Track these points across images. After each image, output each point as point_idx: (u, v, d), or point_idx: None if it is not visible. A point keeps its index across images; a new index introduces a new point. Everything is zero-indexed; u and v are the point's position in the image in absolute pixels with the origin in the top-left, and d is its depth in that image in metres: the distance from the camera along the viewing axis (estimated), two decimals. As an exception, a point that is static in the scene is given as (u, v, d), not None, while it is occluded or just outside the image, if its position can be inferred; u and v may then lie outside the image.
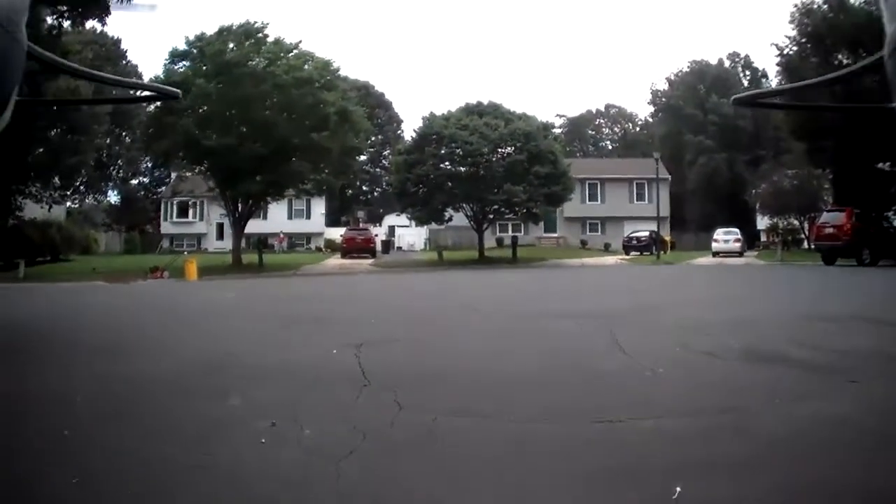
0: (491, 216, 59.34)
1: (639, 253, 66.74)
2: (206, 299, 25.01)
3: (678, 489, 5.11)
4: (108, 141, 70.35)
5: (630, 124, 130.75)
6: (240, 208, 52.14)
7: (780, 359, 10.16)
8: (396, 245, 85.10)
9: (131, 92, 9.40)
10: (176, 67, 49.42)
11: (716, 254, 61.56)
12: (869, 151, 45.34)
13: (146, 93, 6.28)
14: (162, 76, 49.27)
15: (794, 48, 54.20)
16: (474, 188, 54.77)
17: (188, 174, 64.10)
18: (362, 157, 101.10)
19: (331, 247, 78.49)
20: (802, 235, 70.18)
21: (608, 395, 8.27)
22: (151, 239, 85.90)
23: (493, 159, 54.75)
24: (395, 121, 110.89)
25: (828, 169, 57.79)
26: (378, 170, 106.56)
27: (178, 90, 5.34)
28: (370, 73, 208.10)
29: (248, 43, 48.38)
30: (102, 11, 39.71)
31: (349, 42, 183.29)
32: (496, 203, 55.38)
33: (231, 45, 48.53)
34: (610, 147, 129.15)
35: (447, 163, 56.08)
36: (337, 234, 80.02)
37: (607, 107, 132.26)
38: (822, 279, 31.29)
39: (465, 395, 8.36)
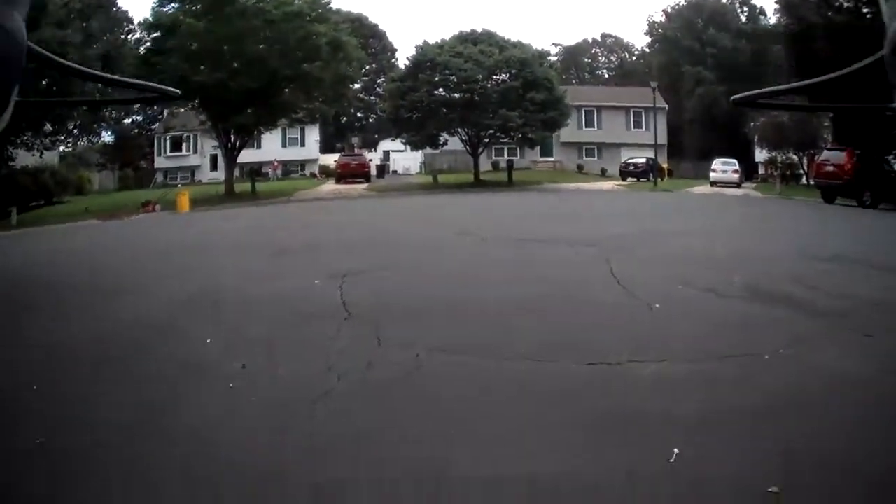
0: (486, 140, 58.88)
1: (636, 179, 65.90)
2: (197, 231, 24.51)
3: (676, 451, 4.66)
4: (98, 85, 69.60)
5: (627, 54, 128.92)
6: (232, 140, 51.64)
7: (784, 300, 9.68)
8: (392, 169, 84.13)
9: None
10: (165, 10, 48.51)
11: (713, 183, 60.53)
12: (872, 93, 44.49)
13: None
14: (151, 18, 48.83)
15: None
16: (469, 114, 54.05)
17: (180, 109, 63.59)
18: (356, 86, 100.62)
19: (326, 173, 77.70)
20: (801, 171, 69.33)
21: (605, 332, 7.80)
22: (146, 175, 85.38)
23: (488, 86, 54.07)
24: (390, 50, 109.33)
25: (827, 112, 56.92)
26: (372, 97, 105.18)
27: (178, 90, 5.39)
28: (364, 4, 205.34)
29: None
30: None
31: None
32: (491, 128, 54.89)
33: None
34: (606, 76, 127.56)
35: (441, 90, 55.12)
36: (332, 160, 79.26)
37: (603, 36, 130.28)
38: (822, 217, 30.87)
39: (453, 329, 7.91)
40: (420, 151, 72.91)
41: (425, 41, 58.04)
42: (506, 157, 73.39)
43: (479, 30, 59.06)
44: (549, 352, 6.97)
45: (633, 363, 6.56)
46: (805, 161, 66.69)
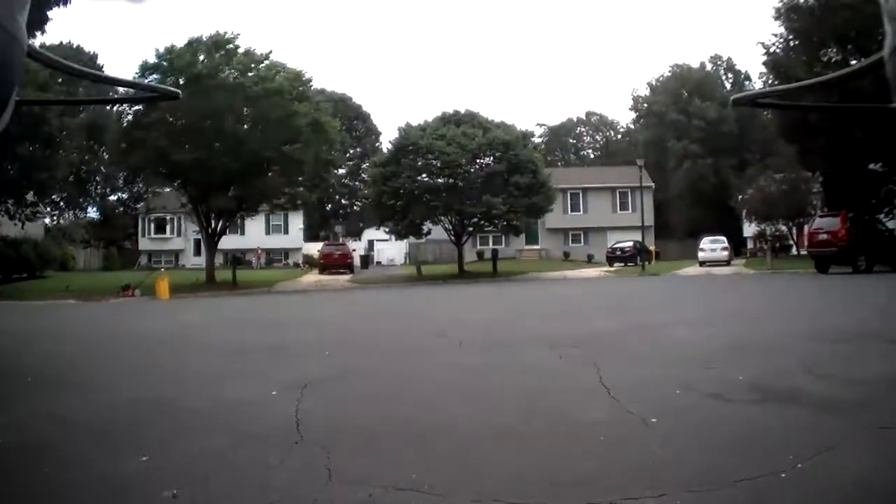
0: (471, 229, 57.99)
1: (623, 264, 65.37)
2: (166, 323, 23.56)
3: None
4: (86, 157, 69.10)
5: (612, 132, 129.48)
6: (213, 224, 51.00)
7: (795, 396, 8.47)
8: (376, 260, 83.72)
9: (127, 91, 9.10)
10: (146, 80, 47.94)
11: (702, 263, 60.05)
12: (861, 152, 43.92)
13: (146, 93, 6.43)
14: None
15: (781, 45, 52.65)
16: (453, 200, 53.23)
17: (163, 189, 63.23)
18: (341, 171, 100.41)
19: (309, 262, 77.00)
20: (791, 242, 68.79)
21: (593, 459, 6.60)
22: (130, 255, 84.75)
23: (472, 170, 53.49)
24: (374, 133, 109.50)
25: (818, 172, 56.34)
26: (357, 183, 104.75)
27: (178, 91, 5.04)
28: (347, 85, 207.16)
29: (217, 54, 47.02)
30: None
31: (326, 54, 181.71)
32: (475, 215, 53.93)
33: (201, 57, 47.43)
34: (592, 156, 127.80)
35: (424, 175, 54.38)
36: (315, 249, 78.45)
37: (588, 114, 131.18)
38: (818, 289, 29.90)
39: (416, 459, 6.71)
40: (405, 241, 71.86)
41: (408, 123, 57.64)
42: (491, 245, 72.72)
43: (463, 110, 58.58)
44: (527, 489, 5.83)
45: (626, 501, 5.44)
46: (794, 231, 66.16)
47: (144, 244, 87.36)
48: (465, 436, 7.45)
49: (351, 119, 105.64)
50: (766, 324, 16.91)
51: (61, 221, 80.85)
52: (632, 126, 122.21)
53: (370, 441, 7.38)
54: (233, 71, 46.91)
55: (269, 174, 48.66)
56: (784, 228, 68.30)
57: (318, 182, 55.44)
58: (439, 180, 53.84)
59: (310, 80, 51.49)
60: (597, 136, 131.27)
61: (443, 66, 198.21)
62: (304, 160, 47.54)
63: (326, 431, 7.69)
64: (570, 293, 35.13)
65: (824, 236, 39.34)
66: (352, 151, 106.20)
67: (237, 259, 56.84)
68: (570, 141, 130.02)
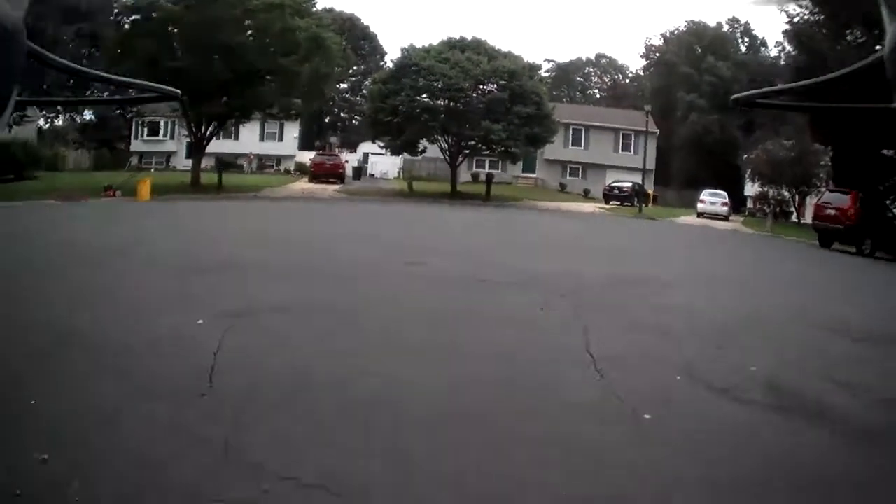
0: (467, 151, 56.62)
1: (619, 203, 63.69)
2: (133, 227, 22.07)
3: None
4: (83, 62, 67.68)
5: (620, 75, 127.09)
6: (202, 129, 49.38)
7: (820, 411, 6.92)
8: (369, 172, 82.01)
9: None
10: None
11: (700, 214, 58.52)
12: (875, 135, 42.36)
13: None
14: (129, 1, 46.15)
15: (806, 17, 50.73)
16: (451, 122, 51.76)
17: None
18: (343, 85, 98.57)
19: (301, 170, 75.18)
20: (792, 209, 67.22)
21: (574, 458, 5.11)
22: (121, 156, 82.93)
23: (474, 95, 51.72)
24: (379, 52, 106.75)
25: (829, 146, 54.79)
26: (358, 98, 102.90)
27: (178, 91, 4.64)
28: (356, 5, 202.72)
29: None
30: None
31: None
32: (473, 139, 52.58)
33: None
34: (598, 96, 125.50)
35: (425, 94, 52.45)
36: (309, 158, 76.89)
37: (598, 56, 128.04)
38: (826, 267, 28.52)
39: (337, 444, 5.23)
40: (399, 156, 70.15)
41: (412, 44, 56.07)
42: (486, 169, 70.62)
43: (469, 37, 56.57)
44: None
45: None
46: (796, 199, 64.58)
47: (137, 145, 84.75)
48: (415, 414, 5.93)
49: (357, 38, 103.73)
50: (776, 299, 15.34)
51: (56, 123, 79.85)
52: (641, 73, 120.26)
53: (290, 405, 5.90)
54: None
55: (264, 85, 46.74)
56: (787, 194, 66.59)
57: (314, 95, 53.30)
58: (439, 102, 52.13)
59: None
60: (605, 78, 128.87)
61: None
62: (300, 72, 45.76)
63: (242, 383, 6.22)
64: (563, 228, 33.88)
65: (832, 211, 37.69)
66: (355, 68, 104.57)
67: (225, 163, 54.68)
68: (578, 79, 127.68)
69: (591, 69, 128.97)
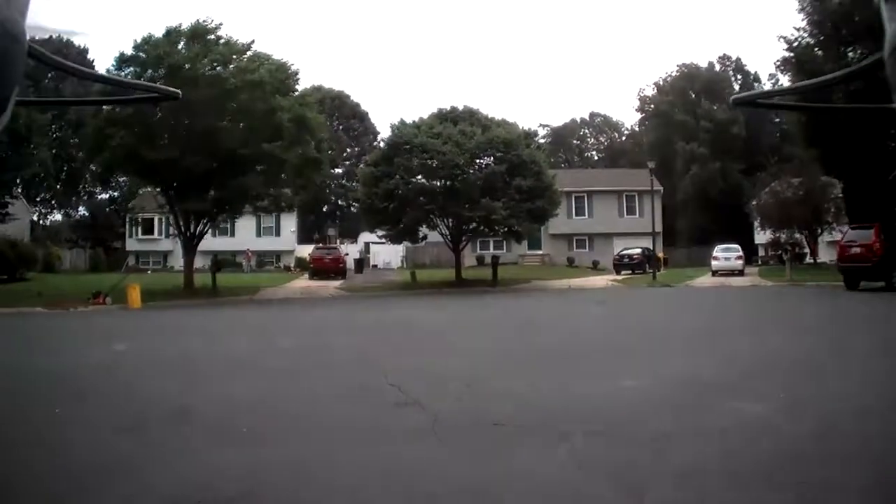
0: (469, 234, 54.41)
1: (630, 272, 62.32)
2: (93, 356, 19.32)
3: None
4: (62, 153, 66.70)
5: (616, 133, 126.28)
6: (191, 228, 47.35)
7: None
8: (372, 263, 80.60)
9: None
10: (122, 73, 44.58)
11: (715, 272, 56.85)
12: (885, 160, 40.75)
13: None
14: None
15: (806, 39, 49.46)
16: (449, 204, 49.85)
17: (143, 189, 60.00)
18: (337, 171, 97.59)
19: (301, 265, 73.62)
20: (806, 250, 65.29)
21: None
22: (117, 256, 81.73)
23: (470, 171, 49.63)
24: (371, 132, 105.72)
25: (839, 179, 53.23)
26: (353, 183, 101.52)
27: (178, 91, 3.58)
28: (345, 82, 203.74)
29: (197, 45, 43.40)
30: None
31: (323, 51, 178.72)
32: (474, 220, 50.45)
33: (180, 47, 44.14)
34: (596, 157, 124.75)
35: (420, 175, 50.61)
36: (308, 252, 75.58)
37: (592, 115, 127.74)
38: (860, 312, 26.34)
39: None
40: (401, 244, 68.48)
41: (402, 120, 54.32)
42: (491, 250, 68.71)
43: (461, 107, 55.02)
44: None
45: None
46: (807, 239, 62.93)
47: (132, 245, 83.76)
48: None
49: (348, 118, 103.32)
50: (849, 381, 12.72)
51: (48, 221, 79.13)
52: (636, 128, 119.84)
53: None
54: (212, 62, 43.12)
55: (249, 174, 44.97)
56: (799, 236, 64.75)
57: (305, 183, 51.40)
58: (435, 182, 50.34)
59: (296, 73, 47.88)
60: (600, 138, 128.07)
61: (443, 65, 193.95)
62: (286, 159, 44.02)
63: None
64: (579, 312, 31.28)
65: (857, 249, 36.04)
66: (349, 151, 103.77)
67: (219, 264, 52.64)
68: (574, 142, 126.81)
69: (587, 130, 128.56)
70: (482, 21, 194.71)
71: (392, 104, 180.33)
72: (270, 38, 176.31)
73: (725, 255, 58.05)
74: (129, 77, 43.93)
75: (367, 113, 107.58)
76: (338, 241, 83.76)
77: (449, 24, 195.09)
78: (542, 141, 57.13)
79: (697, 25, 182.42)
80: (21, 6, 2.41)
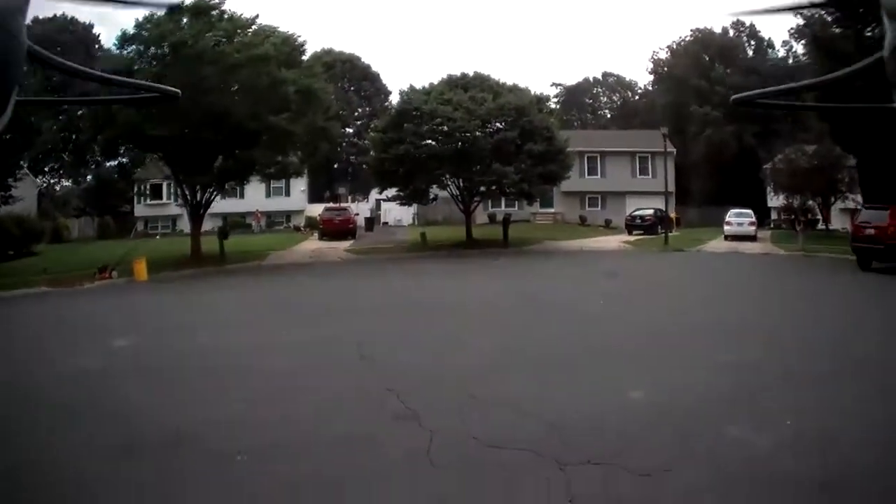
0: (479, 197, 54.25)
1: (643, 233, 62.16)
2: (84, 358, 18.73)
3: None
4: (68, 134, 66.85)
5: (629, 93, 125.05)
6: (198, 196, 46.81)
7: None
8: (383, 220, 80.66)
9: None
10: (123, 52, 44.13)
11: (727, 237, 56.53)
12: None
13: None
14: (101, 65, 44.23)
15: (820, 16, 48.64)
16: (460, 168, 49.61)
17: (154, 155, 59.71)
18: (349, 130, 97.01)
19: (312, 225, 73.12)
20: (818, 216, 64.60)
21: None
22: (127, 222, 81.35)
23: (481, 136, 49.23)
24: (383, 92, 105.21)
25: (852, 154, 52.62)
26: (365, 142, 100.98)
27: (178, 90, 3.51)
28: (357, 45, 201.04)
29: (200, 22, 42.68)
30: None
31: (336, 14, 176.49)
32: (485, 184, 50.19)
33: (184, 22, 43.11)
34: (609, 116, 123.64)
35: (429, 140, 50.11)
36: (319, 211, 75.28)
37: (605, 75, 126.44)
38: (879, 294, 26.01)
39: None
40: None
41: (411, 86, 54.09)
42: (503, 208, 67.94)
43: (471, 72, 54.53)
44: None
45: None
46: (821, 206, 62.25)
47: (140, 210, 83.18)
48: None
49: (359, 79, 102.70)
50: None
51: (58, 188, 78.51)
52: (650, 88, 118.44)
53: None
54: (215, 38, 42.30)
55: (256, 146, 44.47)
56: (811, 203, 64.10)
57: (313, 150, 50.96)
58: (445, 147, 49.79)
59: (302, 45, 47.24)
60: (614, 97, 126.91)
61: (455, 27, 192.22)
62: (293, 131, 43.54)
63: None
64: (588, 291, 30.02)
65: (871, 231, 35.28)
66: (360, 111, 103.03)
67: (227, 229, 51.61)
68: (587, 101, 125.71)
69: (600, 89, 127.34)
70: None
71: (404, 67, 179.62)
72: (281, 4, 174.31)
73: (738, 220, 57.68)
74: (132, 55, 44.01)
75: (378, 74, 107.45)
76: (349, 199, 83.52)
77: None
78: (554, 104, 56.01)
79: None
80: (21, 5, 2.41)
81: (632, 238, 59.29)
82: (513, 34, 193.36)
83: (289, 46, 45.28)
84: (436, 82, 53.96)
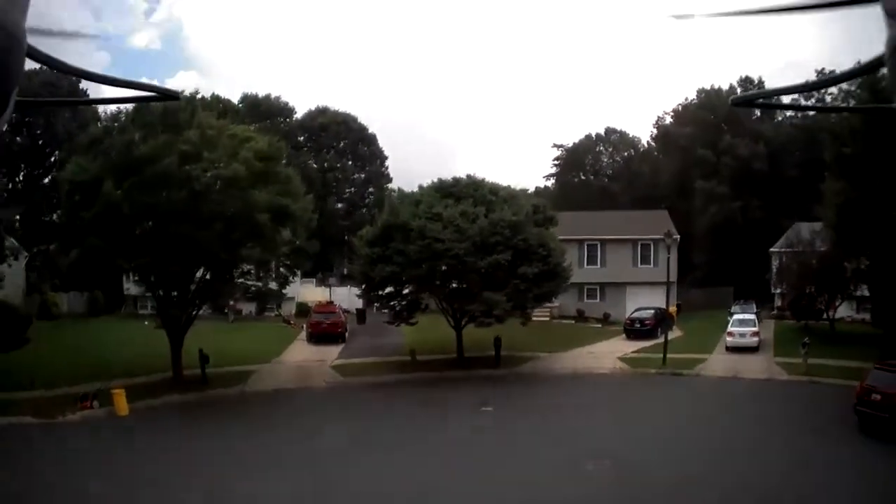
0: (469, 317, 50.98)
1: (642, 338, 59.96)
2: None
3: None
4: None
5: (632, 150, 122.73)
6: (179, 319, 44.46)
7: None
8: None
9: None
10: (86, 165, 41.95)
11: (729, 348, 54.71)
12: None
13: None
14: (71, 173, 42.43)
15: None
16: (448, 294, 47.91)
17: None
18: (339, 205, 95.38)
19: (303, 312, 71.27)
20: (821, 307, 61.97)
21: None
22: (115, 298, 79.50)
23: (471, 262, 46.66)
24: (379, 157, 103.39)
25: (861, 256, 50.88)
26: (363, 209, 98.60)
27: (178, 91, 4.39)
28: (352, 103, 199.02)
29: (161, 128, 40.34)
30: None
31: (332, 71, 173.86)
32: (474, 312, 47.94)
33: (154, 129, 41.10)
34: (610, 173, 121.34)
35: (417, 255, 47.19)
36: (310, 294, 76.65)
37: (608, 131, 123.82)
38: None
39: None
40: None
41: (399, 189, 52.22)
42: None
43: (464, 175, 52.89)
44: None
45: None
46: (826, 300, 59.97)
47: (130, 288, 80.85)
48: None
49: (355, 142, 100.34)
50: None
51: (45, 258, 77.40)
52: (653, 148, 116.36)
53: None
54: (185, 148, 39.92)
55: (229, 283, 42.77)
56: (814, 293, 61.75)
57: (291, 262, 49.20)
58: (433, 269, 47.99)
59: (281, 151, 45.26)
60: (616, 157, 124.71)
61: (456, 79, 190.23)
62: (268, 259, 41.85)
63: None
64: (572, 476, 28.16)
65: (877, 396, 32.23)
66: (355, 177, 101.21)
67: (205, 357, 48.60)
68: (589, 159, 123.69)
69: (602, 147, 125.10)
70: (493, 36, 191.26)
71: (401, 125, 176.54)
72: (275, 62, 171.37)
73: (741, 329, 55.63)
74: (99, 166, 41.55)
75: (374, 136, 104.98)
76: (339, 286, 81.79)
77: (465, 42, 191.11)
78: (552, 215, 53.08)
79: (717, 44, 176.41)
80: (21, 8, 2.68)
81: (629, 350, 56.64)
82: (514, 90, 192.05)
83: (272, 150, 43.70)
84: (426, 185, 52.18)
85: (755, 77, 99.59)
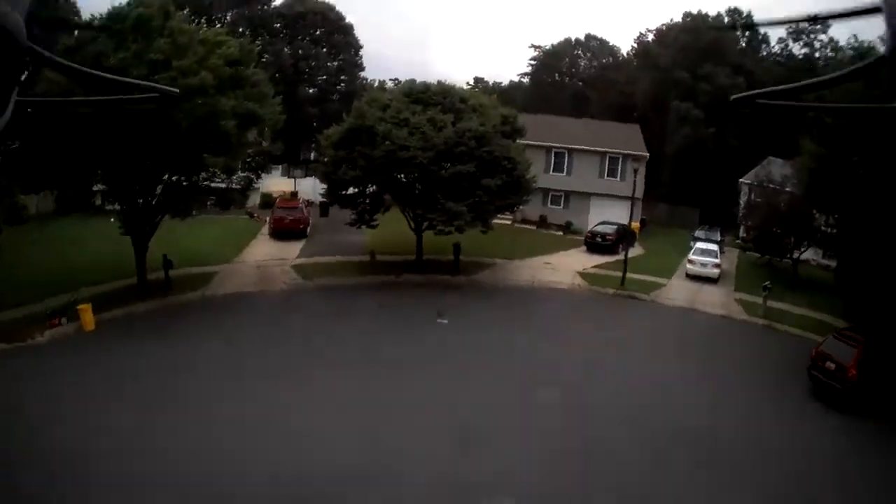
0: (431, 223, 50.03)
1: (602, 253, 60.48)
2: None
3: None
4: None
5: (611, 58, 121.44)
6: (144, 227, 43.92)
7: None
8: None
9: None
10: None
11: (689, 275, 54.81)
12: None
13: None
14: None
15: None
16: (411, 200, 47.56)
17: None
18: (311, 90, 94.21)
19: (268, 204, 70.90)
20: (787, 246, 61.39)
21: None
22: (85, 196, 78.67)
23: (434, 170, 46.21)
24: (354, 47, 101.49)
25: (832, 213, 50.39)
26: (334, 98, 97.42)
27: (177, 90, 4.00)
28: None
29: (132, 37, 39.04)
30: None
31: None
32: (436, 221, 47.36)
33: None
34: (586, 77, 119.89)
35: (381, 160, 46.42)
36: (275, 184, 75.71)
37: (588, 37, 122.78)
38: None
39: None
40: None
41: (369, 89, 50.76)
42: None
43: (434, 81, 51.90)
44: None
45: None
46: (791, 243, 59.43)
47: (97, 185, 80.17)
48: None
49: (330, 32, 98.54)
50: None
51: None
52: (632, 58, 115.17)
53: None
54: (155, 57, 38.30)
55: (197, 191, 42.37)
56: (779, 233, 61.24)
57: (257, 165, 47.90)
58: (399, 176, 47.99)
59: (252, 55, 44.12)
60: (594, 64, 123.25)
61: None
62: (234, 166, 41.18)
63: None
64: (518, 413, 28.04)
65: (831, 365, 32.17)
66: (329, 65, 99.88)
67: (169, 263, 47.56)
68: (566, 61, 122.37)
69: (580, 51, 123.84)
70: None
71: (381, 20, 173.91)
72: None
73: (702, 259, 55.50)
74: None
75: (351, 26, 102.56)
76: (304, 177, 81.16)
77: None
78: (521, 125, 51.89)
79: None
80: (22, 8, 2.61)
81: (589, 265, 56.56)
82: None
83: (244, 56, 42.53)
84: (396, 85, 51.25)
85: (745, 8, 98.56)
